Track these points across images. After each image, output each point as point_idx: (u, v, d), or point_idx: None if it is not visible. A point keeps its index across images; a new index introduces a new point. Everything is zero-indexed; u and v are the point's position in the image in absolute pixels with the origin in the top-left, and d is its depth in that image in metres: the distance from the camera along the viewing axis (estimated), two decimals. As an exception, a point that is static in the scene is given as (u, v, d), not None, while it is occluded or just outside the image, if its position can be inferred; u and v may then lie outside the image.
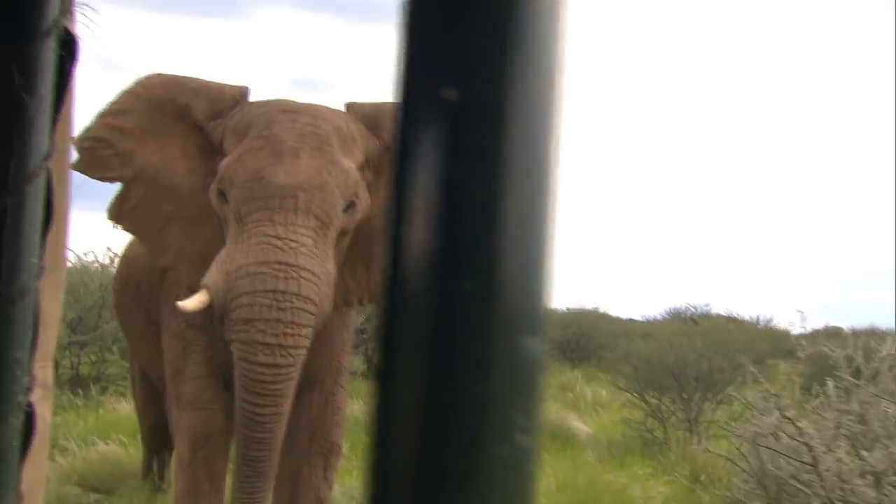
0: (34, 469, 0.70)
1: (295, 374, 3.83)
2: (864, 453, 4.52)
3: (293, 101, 4.16)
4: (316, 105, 4.17)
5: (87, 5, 0.78)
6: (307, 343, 3.83)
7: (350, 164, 3.99)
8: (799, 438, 4.78)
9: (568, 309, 19.38)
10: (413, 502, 0.39)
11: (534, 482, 0.40)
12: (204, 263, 3.94)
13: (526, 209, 0.39)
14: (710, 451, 6.70)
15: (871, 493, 4.27)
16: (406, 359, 0.39)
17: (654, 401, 9.56)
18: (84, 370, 9.94)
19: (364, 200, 4.10)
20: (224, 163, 3.94)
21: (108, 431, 7.39)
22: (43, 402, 0.73)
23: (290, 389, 3.87)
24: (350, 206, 3.97)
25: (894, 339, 5.66)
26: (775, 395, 5.38)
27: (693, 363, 7.70)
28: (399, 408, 0.40)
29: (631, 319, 20.02)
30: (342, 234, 4.02)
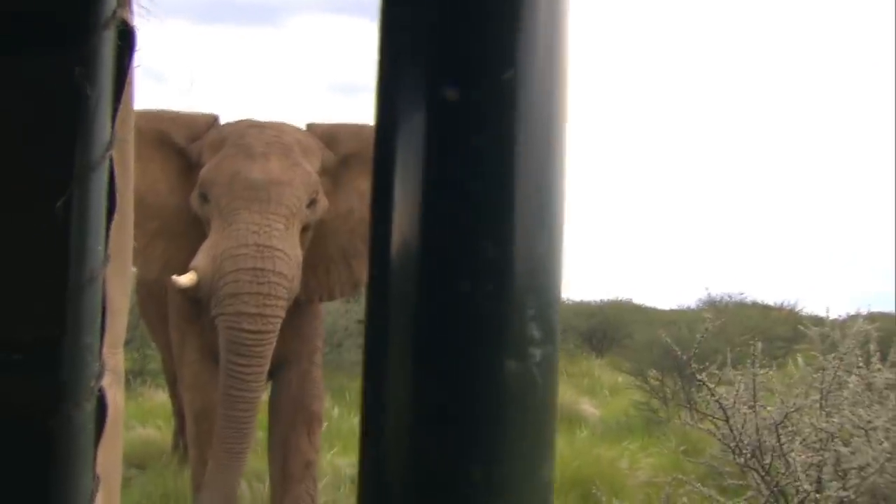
0: (109, 452, 0.67)
1: (273, 340, 4.23)
2: (769, 408, 5.03)
3: (259, 120, 4.64)
4: (279, 122, 4.65)
5: (144, -4, 0.74)
6: (283, 313, 4.24)
7: (310, 167, 4.43)
8: (711, 398, 5.32)
9: (601, 301, 18.93)
10: (415, 431, 0.32)
11: (552, 401, 0.33)
12: None
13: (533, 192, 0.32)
14: (688, 423, 6.73)
15: (773, 440, 4.84)
16: (400, 274, 0.32)
17: (656, 382, 9.52)
18: (127, 365, 10.03)
19: (323, 202, 4.51)
20: (204, 169, 4.35)
21: (147, 417, 7.63)
22: (114, 388, 0.69)
23: (270, 353, 4.25)
24: (312, 202, 4.40)
25: (864, 321, 5.92)
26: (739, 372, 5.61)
27: (692, 346, 7.61)
28: (394, 319, 0.32)
29: (656, 308, 19.50)
30: (305, 228, 4.41)
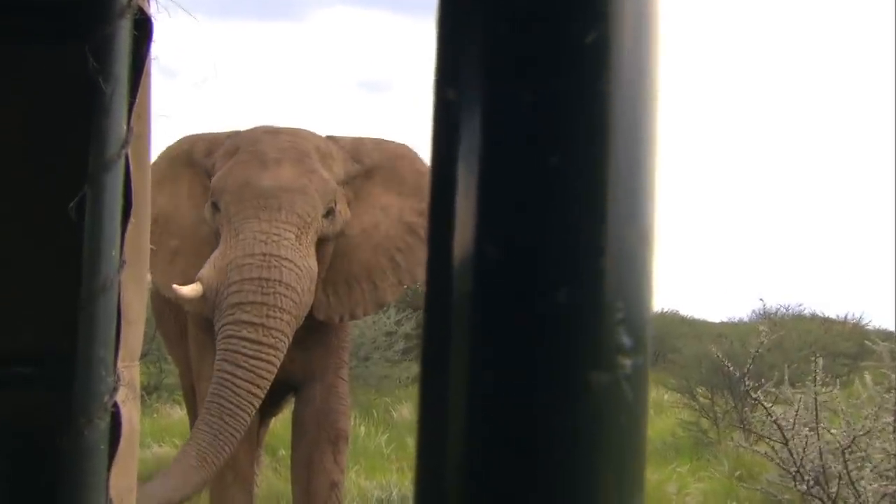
0: (123, 474, 0.66)
1: (275, 360, 4.12)
2: (834, 431, 4.91)
3: (276, 126, 4.66)
4: (297, 128, 4.68)
5: (161, -18, 0.73)
6: (288, 329, 4.16)
7: (328, 175, 4.41)
8: (766, 419, 5.21)
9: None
10: (481, 459, 0.29)
11: (644, 422, 0.31)
12: None
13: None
14: (742, 446, 6.63)
15: (837, 466, 4.73)
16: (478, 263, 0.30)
17: (705, 400, 9.40)
18: (142, 379, 10.12)
19: (344, 212, 4.49)
20: (215, 177, 4.39)
21: (163, 434, 7.67)
22: (129, 403, 0.68)
23: (269, 374, 4.12)
24: (329, 212, 4.35)
25: None
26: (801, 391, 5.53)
27: (745, 361, 7.53)
28: (457, 322, 0.29)
29: (706, 321, 19.21)
30: (323, 240, 4.38)
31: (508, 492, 0.29)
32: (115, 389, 0.64)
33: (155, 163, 4.99)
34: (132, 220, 0.70)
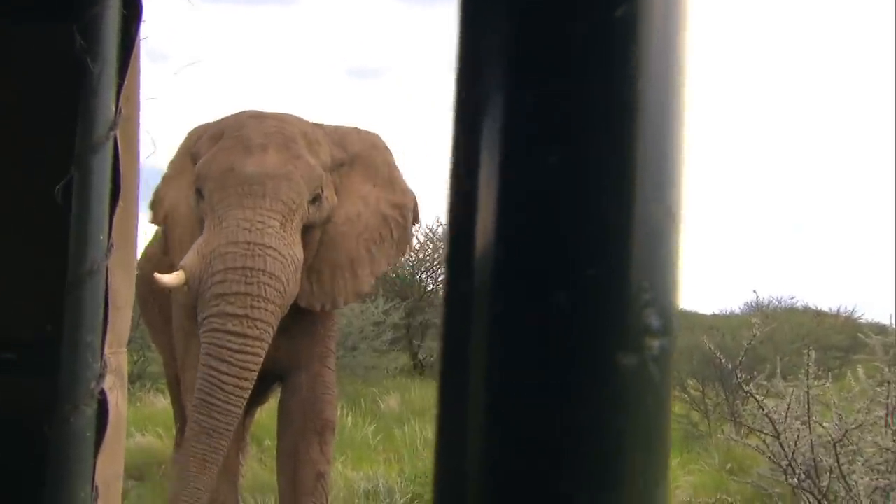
0: (110, 462, 0.66)
1: (260, 352, 4.11)
2: (826, 424, 4.95)
3: (261, 110, 4.66)
4: (284, 113, 4.66)
5: (152, -39, 0.73)
6: (273, 319, 4.15)
7: (315, 160, 4.39)
8: (758, 412, 5.24)
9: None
10: (503, 446, 0.29)
11: (669, 405, 0.31)
12: None
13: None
14: (733, 439, 6.68)
15: (828, 459, 4.76)
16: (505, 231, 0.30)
17: (696, 393, 9.48)
18: (126, 367, 10.10)
19: (331, 199, 4.49)
20: (199, 163, 4.37)
21: (146, 424, 7.68)
22: (117, 390, 0.68)
23: (255, 366, 4.12)
24: (316, 198, 4.35)
25: None
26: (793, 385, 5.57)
27: (736, 354, 7.59)
28: (480, 304, 0.29)
29: (697, 313, 19.33)
30: (310, 227, 4.36)
31: (536, 476, 0.28)
32: (101, 376, 0.64)
33: (174, 156, 4.97)
34: (120, 203, 0.70)
